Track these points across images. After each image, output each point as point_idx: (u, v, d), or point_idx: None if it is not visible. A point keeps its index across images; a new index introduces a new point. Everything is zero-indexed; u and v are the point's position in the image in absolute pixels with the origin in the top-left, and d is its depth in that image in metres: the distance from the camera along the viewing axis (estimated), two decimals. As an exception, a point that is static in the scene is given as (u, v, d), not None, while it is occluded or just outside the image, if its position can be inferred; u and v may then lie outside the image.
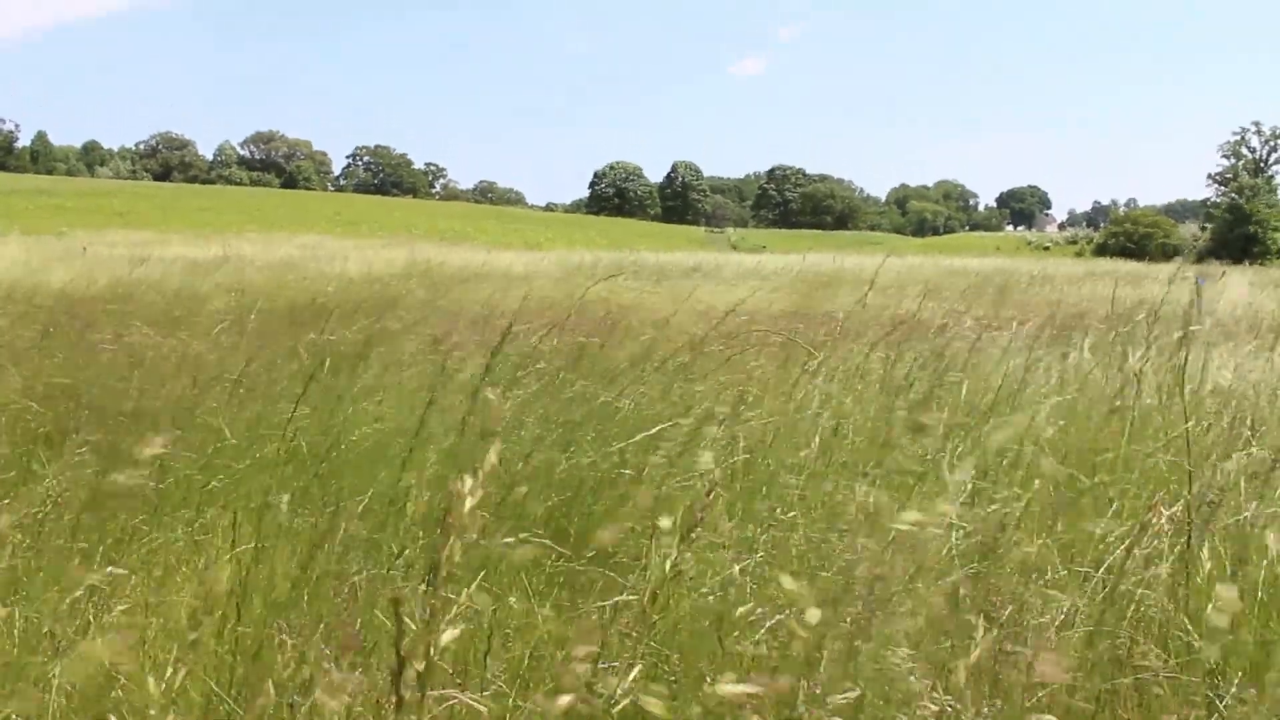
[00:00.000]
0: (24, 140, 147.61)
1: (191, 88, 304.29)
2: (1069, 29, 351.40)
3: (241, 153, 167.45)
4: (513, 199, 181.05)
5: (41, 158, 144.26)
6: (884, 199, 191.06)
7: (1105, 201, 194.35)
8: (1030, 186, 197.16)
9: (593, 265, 26.01)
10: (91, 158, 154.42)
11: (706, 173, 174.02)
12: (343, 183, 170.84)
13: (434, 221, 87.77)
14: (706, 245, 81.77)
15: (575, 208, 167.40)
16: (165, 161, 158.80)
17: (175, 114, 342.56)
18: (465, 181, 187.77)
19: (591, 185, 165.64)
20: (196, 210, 76.24)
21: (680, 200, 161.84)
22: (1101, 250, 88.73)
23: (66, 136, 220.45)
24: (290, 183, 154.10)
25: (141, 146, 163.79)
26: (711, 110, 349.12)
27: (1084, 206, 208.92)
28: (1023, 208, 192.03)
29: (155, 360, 7.21)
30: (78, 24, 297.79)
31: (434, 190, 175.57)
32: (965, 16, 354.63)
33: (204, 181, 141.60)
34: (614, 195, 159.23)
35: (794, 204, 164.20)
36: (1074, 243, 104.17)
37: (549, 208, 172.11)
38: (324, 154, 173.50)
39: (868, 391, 5.51)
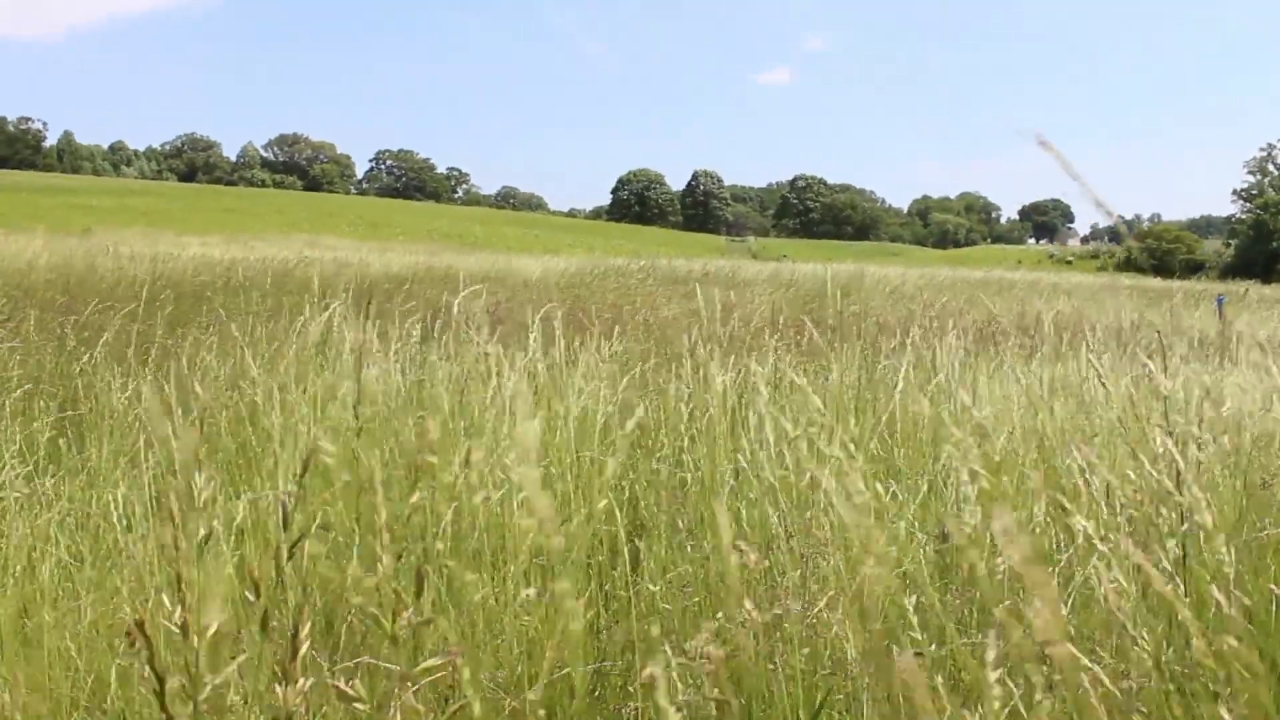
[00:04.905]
0: (51, 140, 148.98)
1: (217, 90, 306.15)
2: (1094, 44, 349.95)
3: (265, 155, 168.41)
4: (534, 205, 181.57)
5: (68, 157, 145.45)
6: (906, 210, 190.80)
7: (1129, 216, 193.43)
8: (1053, 200, 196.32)
9: (606, 269, 26.00)
10: (117, 158, 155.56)
11: (728, 181, 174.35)
12: (365, 186, 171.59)
13: (455, 226, 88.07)
14: (727, 253, 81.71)
15: (597, 214, 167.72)
16: (190, 162, 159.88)
17: (201, 115, 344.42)
18: (487, 187, 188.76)
19: (613, 192, 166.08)
20: (220, 211, 76.65)
21: (701, 209, 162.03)
22: (1125, 265, 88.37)
23: (93, 136, 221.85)
24: (313, 185, 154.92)
25: (167, 147, 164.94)
26: (735, 119, 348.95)
27: (1107, 221, 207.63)
28: (1045, 221, 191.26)
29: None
30: (105, 26, 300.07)
31: (456, 195, 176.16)
32: (989, 30, 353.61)
33: (227, 183, 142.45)
34: (635, 202, 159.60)
35: (815, 214, 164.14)
36: (1096, 257, 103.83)
37: (571, 214, 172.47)
38: (347, 157, 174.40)
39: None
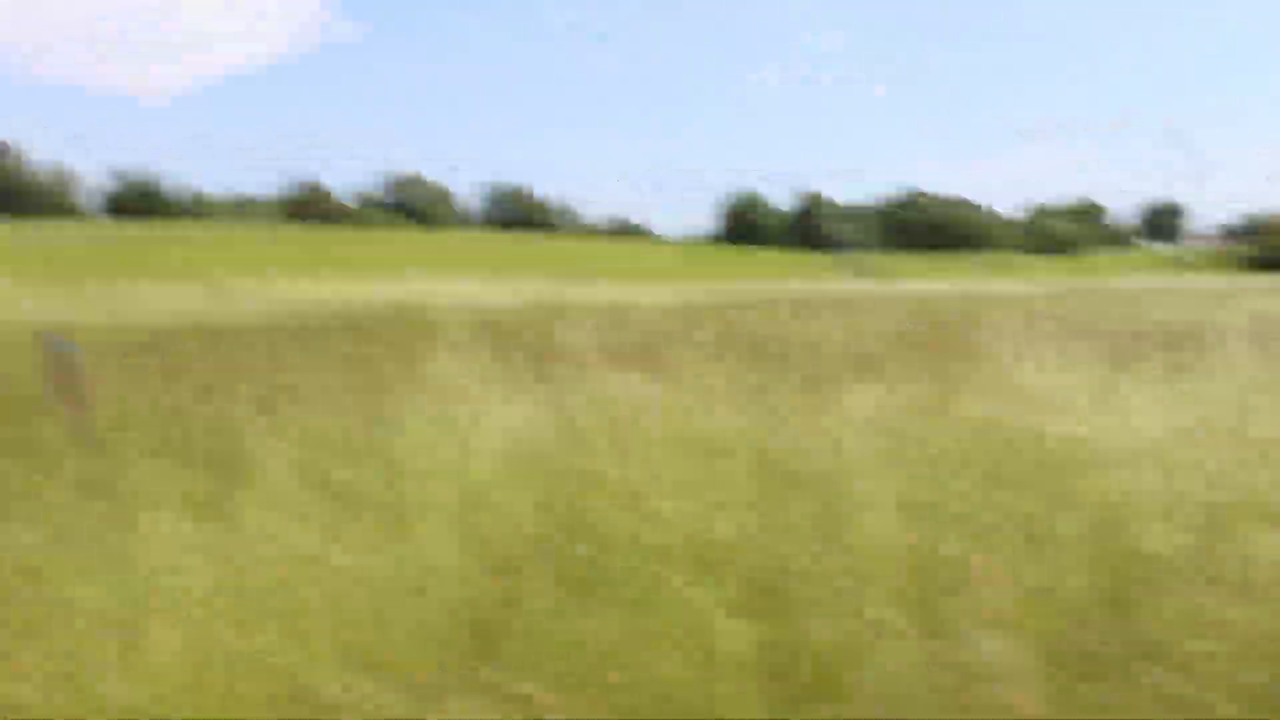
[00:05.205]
0: (174, 190, 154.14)
1: (327, 134, 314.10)
2: (1210, 40, 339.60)
3: (378, 195, 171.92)
4: (642, 232, 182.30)
5: (190, 207, 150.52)
6: (1016, 219, 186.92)
7: (1254, 211, 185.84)
8: (1170, 200, 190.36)
9: (719, 295, 25.91)
10: (235, 206, 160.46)
11: (836, 199, 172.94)
12: (474, 221, 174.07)
13: (564, 257, 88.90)
14: (837, 272, 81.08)
15: (704, 238, 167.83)
16: (304, 206, 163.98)
17: (316, 160, 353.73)
18: (596, 217, 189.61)
19: (720, 215, 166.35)
20: (335, 253, 78.45)
21: (809, 227, 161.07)
22: (1251, 264, 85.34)
23: (214, 186, 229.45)
24: (424, 222, 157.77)
25: (283, 193, 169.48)
26: (841, 136, 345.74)
27: (1230, 218, 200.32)
28: (1163, 222, 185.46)
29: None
30: (219, 81, 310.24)
31: (565, 226, 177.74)
32: (1098, 31, 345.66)
33: (342, 225, 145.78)
34: (742, 224, 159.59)
35: (924, 227, 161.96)
36: (1217, 257, 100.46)
37: (677, 240, 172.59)
38: (456, 194, 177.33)
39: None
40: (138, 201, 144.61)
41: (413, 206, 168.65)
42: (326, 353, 12.29)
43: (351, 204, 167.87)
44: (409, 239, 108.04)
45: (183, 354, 12.12)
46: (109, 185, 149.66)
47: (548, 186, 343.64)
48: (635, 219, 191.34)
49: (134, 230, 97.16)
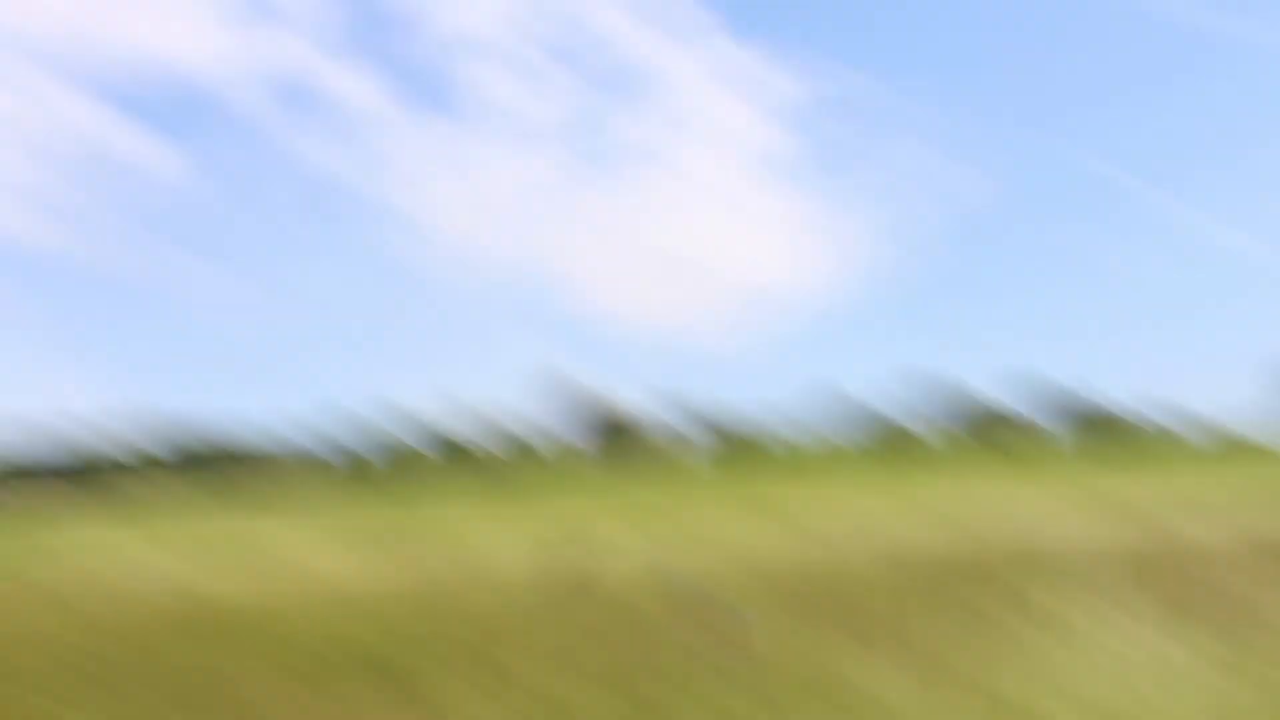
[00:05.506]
0: (757, 432, 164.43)
1: (904, 369, 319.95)
2: None
3: (962, 427, 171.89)
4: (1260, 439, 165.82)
5: (775, 446, 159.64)
6: None
7: None
8: None
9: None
10: (820, 444, 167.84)
11: None
12: (1053, 443, 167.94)
13: (1173, 479, 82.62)
14: None
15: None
16: (894, 443, 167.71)
17: (892, 395, 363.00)
18: (1194, 425, 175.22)
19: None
20: (925, 491, 78.57)
21: None
22: None
23: (793, 426, 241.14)
24: (1008, 452, 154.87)
25: (866, 431, 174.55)
26: None
27: None
28: None
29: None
30: (792, 325, 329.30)
31: (1159, 435, 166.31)
32: None
33: (931, 459, 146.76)
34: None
35: None
36: None
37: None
38: (1032, 415, 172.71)
39: None
40: (726, 444, 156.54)
41: (996, 436, 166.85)
42: (951, 604, 12.02)
43: (937, 438, 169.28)
44: (998, 473, 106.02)
45: (799, 602, 12.37)
46: (699, 432, 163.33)
47: (1126, 392, 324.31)
48: (1241, 419, 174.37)
49: (729, 472, 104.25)
